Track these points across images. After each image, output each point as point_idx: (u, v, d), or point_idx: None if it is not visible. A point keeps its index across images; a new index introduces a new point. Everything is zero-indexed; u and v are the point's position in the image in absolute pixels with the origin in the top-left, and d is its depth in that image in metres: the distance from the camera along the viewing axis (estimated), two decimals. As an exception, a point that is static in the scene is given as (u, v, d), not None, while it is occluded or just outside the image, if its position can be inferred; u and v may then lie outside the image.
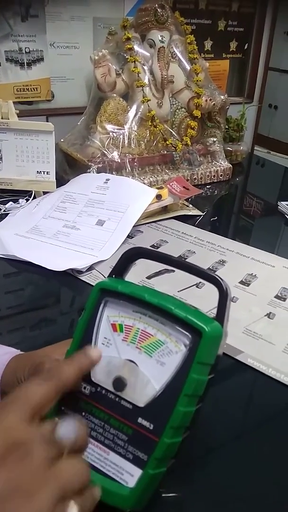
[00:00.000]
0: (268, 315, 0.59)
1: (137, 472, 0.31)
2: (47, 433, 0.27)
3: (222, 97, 1.02)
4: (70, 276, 0.66)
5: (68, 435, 0.27)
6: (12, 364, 0.39)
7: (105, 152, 0.90)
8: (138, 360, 0.32)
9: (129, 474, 0.31)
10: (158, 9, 0.91)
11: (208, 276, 0.34)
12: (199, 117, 1.00)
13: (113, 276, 0.37)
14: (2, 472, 0.24)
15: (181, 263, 0.35)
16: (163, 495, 0.36)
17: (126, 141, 0.92)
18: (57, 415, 0.33)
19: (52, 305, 0.64)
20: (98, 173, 0.88)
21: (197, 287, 0.63)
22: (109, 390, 0.32)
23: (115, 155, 0.91)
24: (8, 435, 0.25)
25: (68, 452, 0.27)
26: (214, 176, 1.05)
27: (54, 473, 0.26)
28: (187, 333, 0.31)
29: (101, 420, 0.33)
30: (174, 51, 0.99)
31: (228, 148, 1.14)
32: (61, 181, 0.90)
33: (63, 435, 0.27)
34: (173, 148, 0.98)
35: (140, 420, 0.31)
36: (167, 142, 0.97)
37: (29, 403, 0.27)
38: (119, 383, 0.32)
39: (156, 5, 0.91)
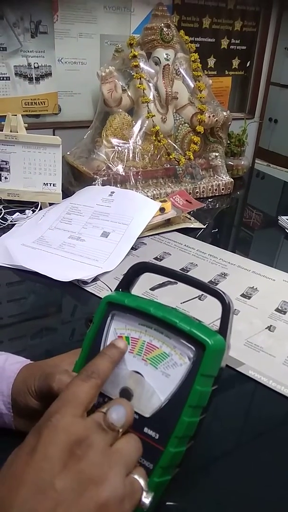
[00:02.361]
0: (269, 327, 0.61)
1: None
2: (101, 422, 0.29)
3: (224, 113, 1.05)
4: (75, 287, 0.67)
5: (119, 418, 0.30)
6: (22, 373, 0.41)
7: (110, 165, 0.92)
8: (144, 371, 0.33)
9: None
10: (164, 28, 0.94)
11: (212, 291, 0.34)
12: (202, 132, 1.02)
13: (120, 289, 0.38)
14: (73, 467, 0.27)
15: (186, 278, 0.36)
16: (166, 503, 0.37)
17: (130, 155, 0.94)
18: None
19: (55, 314, 0.65)
20: (103, 185, 0.90)
21: (199, 299, 0.64)
22: None
23: (119, 168, 0.93)
24: (69, 433, 0.28)
25: (122, 432, 0.30)
26: (215, 190, 1.07)
27: (116, 455, 0.29)
28: (191, 346, 0.32)
29: None
30: (178, 69, 1.01)
31: (230, 163, 1.17)
32: (67, 193, 0.92)
33: (115, 419, 0.30)
34: (176, 162, 1.00)
35: (146, 429, 0.32)
36: (171, 156, 0.99)
37: (78, 401, 0.29)
38: (126, 394, 0.33)
39: (162, 24, 0.94)
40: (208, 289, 0.35)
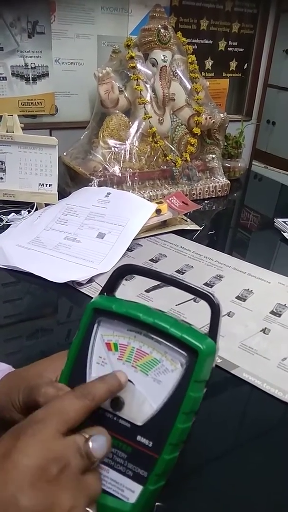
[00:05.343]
0: (264, 330, 0.60)
1: (137, 488, 0.31)
2: (81, 446, 0.28)
3: (221, 115, 1.05)
4: (70, 288, 0.67)
5: (99, 449, 0.29)
6: (4, 385, 0.38)
7: (107, 166, 0.92)
8: (134, 378, 0.32)
9: (129, 491, 0.32)
10: (161, 30, 0.94)
11: (200, 293, 0.33)
12: (198, 134, 1.02)
13: (104, 293, 0.36)
14: (42, 487, 0.25)
15: (172, 280, 0.34)
16: (157, 504, 0.37)
17: (127, 156, 0.94)
18: None
19: (50, 315, 0.65)
20: (99, 186, 0.90)
21: (194, 301, 0.64)
22: (107, 410, 0.32)
23: (116, 169, 0.93)
24: (48, 448, 0.26)
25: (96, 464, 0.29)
26: (212, 191, 1.07)
27: (85, 486, 0.28)
28: (183, 352, 0.31)
29: None
30: (175, 70, 1.01)
31: (227, 165, 1.17)
32: (63, 194, 0.92)
33: (95, 449, 0.29)
34: (173, 163, 1.00)
35: (139, 438, 0.32)
36: (167, 158, 0.99)
37: (64, 418, 0.28)
38: (117, 402, 0.32)
39: (159, 26, 0.94)
40: (196, 291, 0.34)
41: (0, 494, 0.24)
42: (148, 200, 0.89)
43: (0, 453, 0.26)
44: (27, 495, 0.24)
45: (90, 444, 0.28)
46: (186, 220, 0.92)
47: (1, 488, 0.25)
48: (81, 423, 0.30)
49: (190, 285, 0.34)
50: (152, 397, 0.32)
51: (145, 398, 0.32)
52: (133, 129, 0.95)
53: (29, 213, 0.87)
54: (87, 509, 0.28)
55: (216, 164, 1.08)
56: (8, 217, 0.85)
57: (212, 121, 1.03)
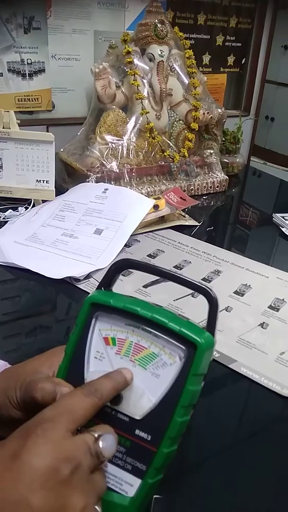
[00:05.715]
0: (262, 325, 0.60)
1: (136, 482, 0.31)
2: (90, 445, 0.28)
3: (219, 110, 1.05)
4: (67, 284, 0.67)
5: (108, 448, 0.29)
6: (0, 383, 0.37)
7: (104, 162, 0.92)
8: (133, 373, 0.32)
9: (128, 484, 0.32)
10: (158, 24, 0.94)
11: (197, 287, 0.33)
12: (196, 129, 1.02)
13: (102, 288, 0.36)
14: (54, 487, 0.25)
15: (170, 275, 0.34)
16: (156, 497, 0.37)
17: (124, 152, 0.94)
18: None
19: (48, 312, 0.65)
20: (96, 182, 0.90)
21: (192, 296, 0.64)
22: (105, 404, 0.32)
23: (113, 165, 0.92)
24: (59, 448, 0.26)
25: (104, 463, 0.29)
26: (210, 187, 1.07)
27: (94, 484, 0.28)
28: (181, 346, 0.31)
29: None
30: (173, 65, 1.01)
31: (225, 160, 1.17)
32: (60, 190, 0.91)
33: (104, 449, 0.29)
34: (170, 159, 1.00)
35: (137, 432, 0.32)
36: (165, 154, 0.99)
37: (73, 417, 0.28)
38: (115, 397, 0.32)
39: (156, 20, 0.93)
40: (194, 285, 0.34)
41: (11, 496, 0.24)
42: (146, 196, 0.88)
43: (9, 453, 0.26)
44: (39, 496, 0.24)
45: (100, 443, 0.28)
46: (184, 216, 0.92)
47: (12, 489, 0.24)
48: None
49: (188, 279, 0.34)
50: (150, 391, 0.32)
51: (144, 392, 0.32)
52: (130, 125, 0.95)
53: (26, 209, 0.87)
54: (96, 507, 0.28)
55: (214, 159, 1.08)
56: (5, 213, 0.85)
57: (210, 116, 1.02)
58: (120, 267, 0.36)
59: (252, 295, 0.66)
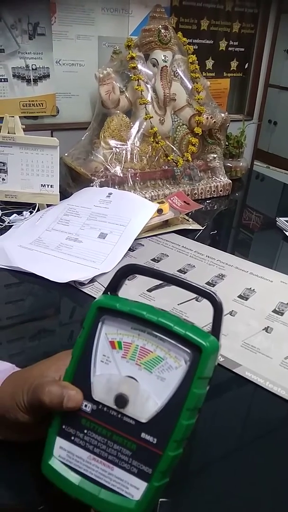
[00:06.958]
0: (266, 329, 0.60)
1: (142, 485, 0.31)
2: None
3: (222, 114, 1.05)
4: (72, 288, 0.67)
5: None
6: (8, 386, 0.38)
7: (108, 167, 0.92)
8: (139, 376, 0.33)
9: (134, 488, 0.32)
10: (162, 30, 0.94)
11: (202, 291, 0.34)
12: (200, 134, 1.02)
13: (108, 292, 0.37)
14: None
15: (175, 280, 0.35)
16: (162, 501, 0.37)
17: (128, 157, 0.94)
18: (59, 435, 0.34)
19: (53, 316, 0.65)
20: (101, 187, 0.90)
21: (196, 300, 0.64)
22: (111, 407, 0.33)
23: (117, 169, 0.93)
24: None
25: None
26: (214, 191, 1.07)
27: None
28: (186, 349, 0.31)
29: (104, 436, 0.33)
30: (176, 70, 1.01)
31: (228, 164, 1.17)
32: (64, 194, 0.92)
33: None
34: (174, 163, 1.00)
35: (143, 435, 0.32)
36: (169, 158, 0.99)
37: None
38: (121, 400, 0.32)
39: (160, 26, 0.94)
40: (198, 290, 0.34)
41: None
42: (149, 200, 0.88)
43: None
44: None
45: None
46: (188, 220, 0.92)
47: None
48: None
49: (192, 284, 0.34)
50: (156, 394, 0.32)
51: (149, 395, 0.32)
52: (134, 130, 0.96)
53: (31, 214, 0.87)
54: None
55: (218, 163, 1.08)
56: (10, 218, 0.85)
57: (213, 120, 1.02)
58: (126, 272, 0.37)
59: (256, 299, 0.66)
